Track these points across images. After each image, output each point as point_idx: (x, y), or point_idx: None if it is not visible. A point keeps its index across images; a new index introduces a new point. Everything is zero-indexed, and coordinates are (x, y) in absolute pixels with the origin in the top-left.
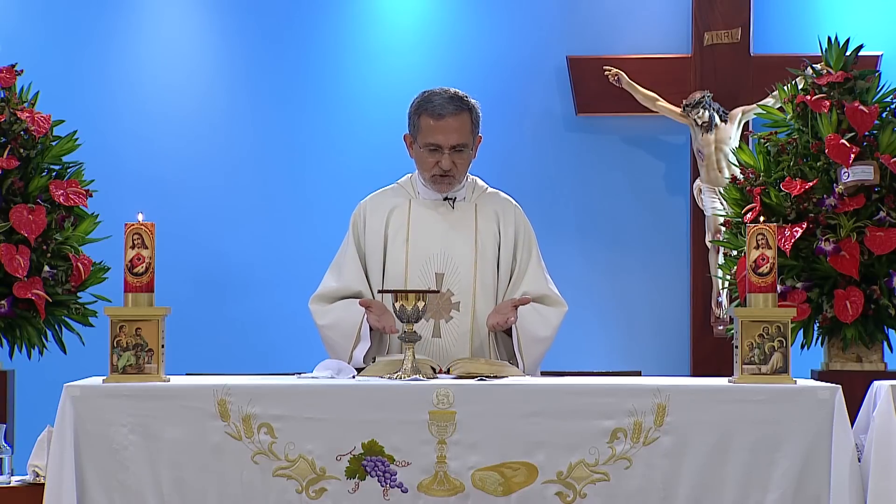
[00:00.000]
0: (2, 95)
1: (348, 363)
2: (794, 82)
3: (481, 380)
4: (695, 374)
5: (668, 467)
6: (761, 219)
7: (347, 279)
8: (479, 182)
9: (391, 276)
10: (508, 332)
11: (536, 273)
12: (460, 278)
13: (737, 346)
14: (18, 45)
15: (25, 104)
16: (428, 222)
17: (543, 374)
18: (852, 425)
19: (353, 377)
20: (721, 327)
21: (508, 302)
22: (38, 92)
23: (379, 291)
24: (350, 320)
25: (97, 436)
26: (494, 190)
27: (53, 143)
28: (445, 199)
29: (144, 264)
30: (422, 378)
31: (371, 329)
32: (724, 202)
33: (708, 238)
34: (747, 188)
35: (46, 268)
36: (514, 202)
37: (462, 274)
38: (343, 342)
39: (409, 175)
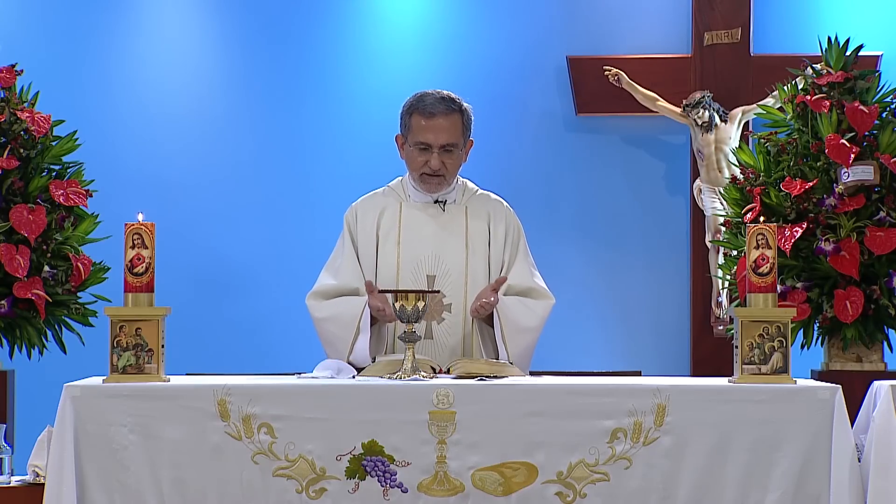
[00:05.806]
0: (2, 95)
1: (348, 356)
2: (794, 82)
3: (481, 380)
4: (695, 374)
5: (668, 467)
6: (761, 219)
7: (345, 277)
8: (470, 184)
9: (383, 278)
10: (493, 323)
11: (522, 266)
12: (452, 280)
13: (737, 346)
14: (18, 45)
15: (25, 104)
16: (419, 225)
17: (544, 374)
18: (852, 425)
19: (353, 377)
20: (721, 327)
21: (488, 287)
22: (38, 92)
23: (379, 291)
24: (350, 312)
25: (97, 436)
26: (485, 192)
27: (53, 143)
28: (436, 201)
29: (144, 264)
30: (422, 378)
31: (372, 324)
32: (724, 202)
33: (708, 238)
34: (747, 188)
35: (46, 268)
36: (504, 202)
37: (453, 276)
38: (343, 334)
39: (400, 178)
